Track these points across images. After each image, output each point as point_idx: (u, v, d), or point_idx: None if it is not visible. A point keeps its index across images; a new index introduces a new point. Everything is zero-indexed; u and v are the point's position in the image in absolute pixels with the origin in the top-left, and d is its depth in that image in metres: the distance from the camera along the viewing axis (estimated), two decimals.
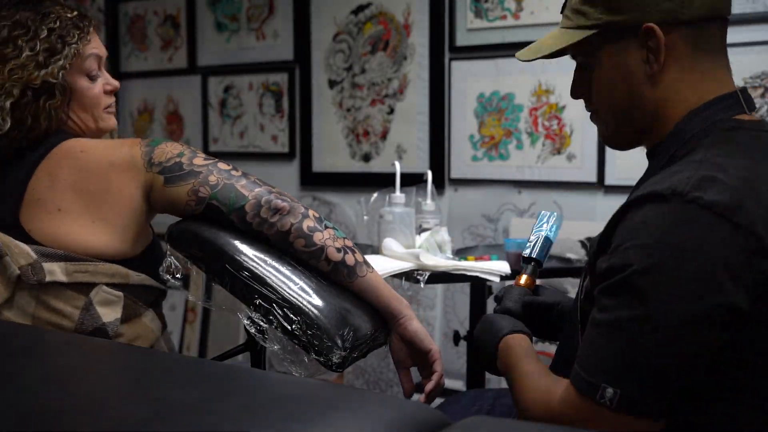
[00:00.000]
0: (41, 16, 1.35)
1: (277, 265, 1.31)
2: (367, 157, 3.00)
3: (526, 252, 1.41)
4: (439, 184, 2.79)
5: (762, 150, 0.98)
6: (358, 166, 3.02)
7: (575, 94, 1.13)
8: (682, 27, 1.01)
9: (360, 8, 3.00)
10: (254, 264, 1.30)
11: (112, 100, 1.46)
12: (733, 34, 2.30)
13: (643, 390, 0.91)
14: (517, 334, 1.19)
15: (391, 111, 2.93)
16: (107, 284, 1.32)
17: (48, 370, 0.90)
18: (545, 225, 1.43)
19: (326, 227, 1.32)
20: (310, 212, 1.34)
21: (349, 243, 1.34)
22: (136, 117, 3.67)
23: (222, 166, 1.35)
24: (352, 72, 3.03)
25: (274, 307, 1.26)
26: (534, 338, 1.26)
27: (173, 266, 1.37)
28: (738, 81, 2.29)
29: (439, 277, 1.79)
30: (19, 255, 1.27)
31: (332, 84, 3.08)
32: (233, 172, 1.34)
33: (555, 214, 1.45)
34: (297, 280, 1.30)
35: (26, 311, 1.28)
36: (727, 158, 0.94)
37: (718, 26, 1.03)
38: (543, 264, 1.40)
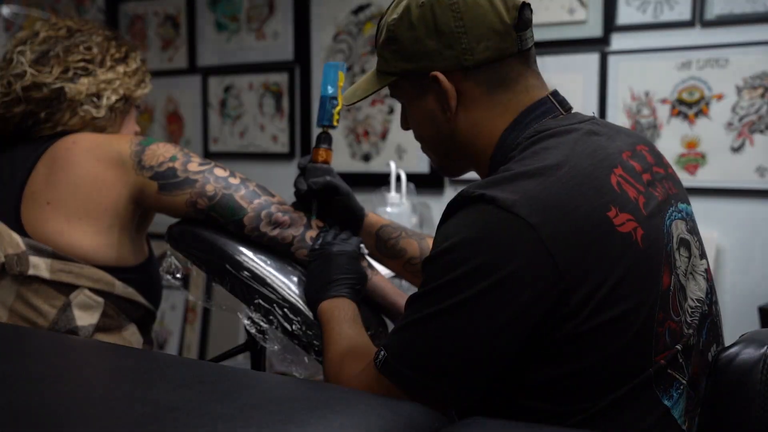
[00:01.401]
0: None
1: (277, 265, 1.31)
2: (367, 157, 3.00)
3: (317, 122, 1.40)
4: (439, 184, 2.79)
5: (566, 144, 1.01)
6: (358, 166, 3.02)
7: (403, 126, 1.20)
8: (471, 71, 1.05)
9: (360, 8, 3.00)
10: (255, 264, 1.30)
11: None
12: (734, 34, 2.32)
13: (405, 361, 0.96)
14: (342, 298, 1.23)
15: (391, 111, 2.93)
16: (90, 289, 1.31)
17: (42, 370, 0.90)
18: (329, 85, 1.40)
19: None
20: (313, 223, 1.33)
21: None
22: (137, 116, 3.67)
23: (218, 172, 1.33)
24: (352, 72, 3.03)
25: (274, 307, 1.26)
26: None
27: (173, 266, 1.37)
28: (738, 81, 2.31)
29: None
30: (8, 244, 1.27)
31: None
32: (231, 180, 1.33)
33: (333, 63, 1.41)
34: (297, 280, 1.30)
35: (4, 303, 1.28)
36: (524, 163, 0.99)
37: (511, 62, 1.06)
38: (334, 125, 1.39)
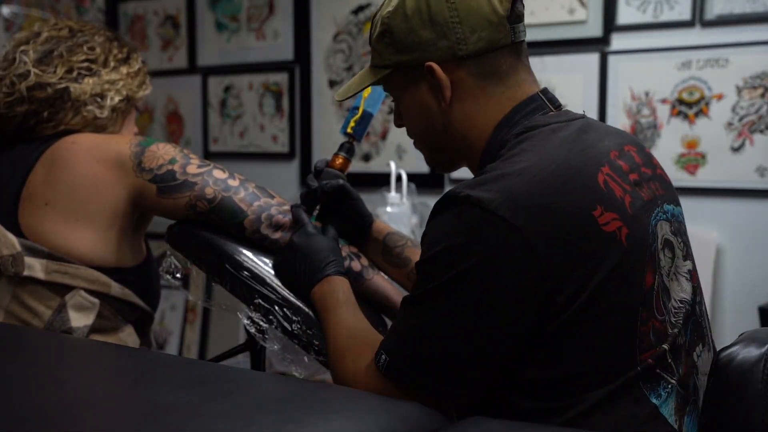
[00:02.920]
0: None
1: None
2: (367, 157, 3.00)
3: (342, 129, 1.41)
4: (439, 184, 2.79)
5: (553, 142, 1.02)
6: (358, 166, 3.02)
7: (396, 123, 1.20)
8: (465, 62, 1.06)
9: (360, 8, 3.00)
10: (254, 264, 1.29)
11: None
12: (734, 34, 2.32)
13: (407, 363, 0.98)
14: (329, 278, 1.23)
15: (391, 111, 2.93)
16: (86, 290, 1.31)
17: (42, 370, 0.90)
18: (362, 100, 1.42)
19: None
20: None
21: (354, 249, 1.35)
22: (136, 117, 3.67)
23: (218, 174, 1.33)
24: (352, 72, 3.03)
25: (274, 307, 1.26)
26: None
27: (173, 266, 1.37)
28: (738, 81, 2.30)
29: None
30: (3, 245, 1.27)
31: (332, 84, 3.08)
32: (230, 182, 1.33)
33: (376, 88, 1.42)
34: None
35: (0, 304, 1.28)
36: (510, 161, 0.99)
37: (504, 53, 1.07)
38: (360, 139, 1.41)
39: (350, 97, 1.18)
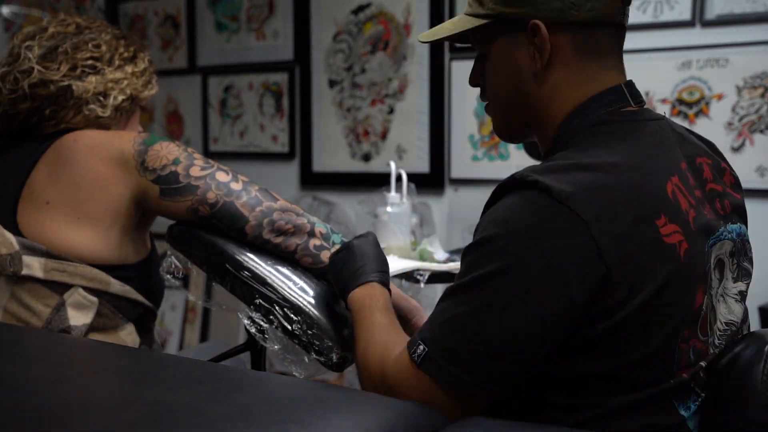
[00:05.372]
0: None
1: (277, 265, 1.31)
2: (367, 157, 3.00)
3: None
4: (439, 184, 2.79)
5: (629, 141, 0.99)
6: (358, 166, 3.02)
7: (472, 81, 1.14)
8: (571, 28, 1.01)
9: (360, 8, 3.00)
10: (255, 264, 1.29)
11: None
12: (734, 34, 2.32)
13: (448, 356, 0.92)
14: (372, 283, 1.16)
15: (391, 111, 2.93)
16: (84, 288, 1.30)
17: (41, 370, 0.90)
18: None
19: (333, 243, 1.32)
20: (317, 230, 1.32)
21: None
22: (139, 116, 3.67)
23: (221, 177, 1.32)
24: (352, 72, 3.03)
25: (274, 306, 1.26)
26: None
27: (173, 266, 1.37)
28: (738, 81, 2.30)
29: (439, 276, 1.79)
30: (1, 244, 1.26)
31: (332, 84, 3.08)
32: (233, 185, 1.32)
33: None
34: (297, 280, 1.30)
35: None
36: (584, 154, 0.96)
37: (609, 32, 1.04)
38: None
39: (437, 40, 1.13)
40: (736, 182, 1.12)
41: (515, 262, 0.89)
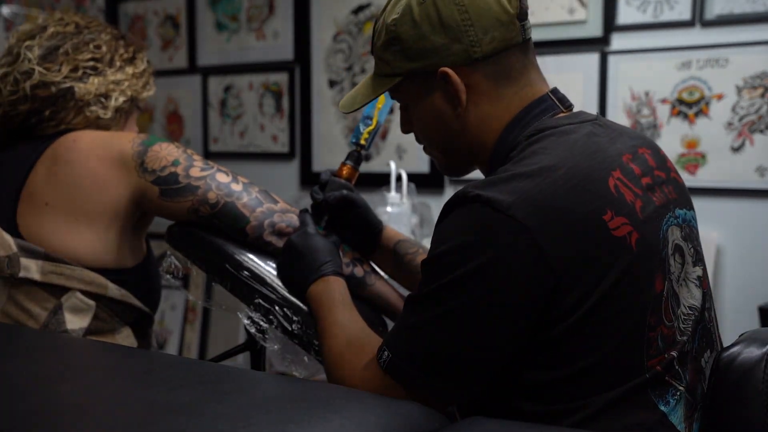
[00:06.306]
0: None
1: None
2: (367, 157, 3.00)
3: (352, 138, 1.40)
4: (439, 184, 2.79)
5: (565, 144, 1.01)
6: None
7: (403, 129, 1.19)
8: (478, 65, 1.05)
9: (360, 8, 3.00)
10: (254, 264, 1.29)
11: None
12: (734, 34, 2.32)
13: (410, 361, 0.97)
14: (324, 278, 1.21)
15: (391, 111, 2.93)
16: (82, 291, 1.30)
17: (41, 370, 0.89)
18: (375, 110, 1.41)
19: None
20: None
21: (356, 255, 1.34)
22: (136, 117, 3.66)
23: (221, 177, 1.32)
24: (352, 72, 3.03)
25: (274, 306, 1.26)
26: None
27: (173, 266, 1.37)
28: (738, 81, 2.30)
29: None
30: (0, 245, 1.26)
31: (332, 84, 3.08)
32: (233, 186, 1.31)
33: (387, 97, 1.41)
34: None
35: None
36: (522, 163, 0.99)
37: (515, 53, 1.07)
38: (362, 143, 1.41)
39: (357, 109, 1.17)
40: (674, 168, 1.16)
41: (465, 274, 0.93)
